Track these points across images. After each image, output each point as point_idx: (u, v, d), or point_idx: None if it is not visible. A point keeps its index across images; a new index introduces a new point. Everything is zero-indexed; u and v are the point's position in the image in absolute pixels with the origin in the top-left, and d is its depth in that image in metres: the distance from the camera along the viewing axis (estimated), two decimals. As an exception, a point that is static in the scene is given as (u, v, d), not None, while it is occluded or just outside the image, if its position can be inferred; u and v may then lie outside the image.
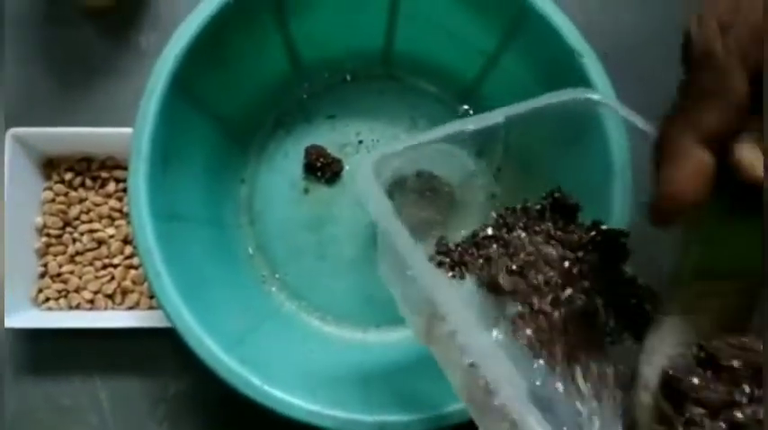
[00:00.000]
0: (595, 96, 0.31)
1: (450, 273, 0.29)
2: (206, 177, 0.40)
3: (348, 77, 0.44)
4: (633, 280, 0.30)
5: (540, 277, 0.29)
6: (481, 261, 0.30)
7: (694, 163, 0.21)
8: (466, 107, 0.44)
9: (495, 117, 0.30)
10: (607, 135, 0.34)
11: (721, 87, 0.20)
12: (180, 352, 0.32)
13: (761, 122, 0.20)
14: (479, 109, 0.44)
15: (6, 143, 0.40)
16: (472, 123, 0.29)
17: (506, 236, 0.31)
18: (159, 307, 0.33)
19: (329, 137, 0.44)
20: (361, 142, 0.44)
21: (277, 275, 0.42)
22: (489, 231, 0.31)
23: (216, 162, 0.40)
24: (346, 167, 0.43)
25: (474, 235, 0.31)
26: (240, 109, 0.41)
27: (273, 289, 0.42)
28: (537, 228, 0.31)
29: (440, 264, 0.30)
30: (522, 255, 0.29)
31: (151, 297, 0.42)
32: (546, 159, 0.34)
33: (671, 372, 0.23)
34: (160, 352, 0.42)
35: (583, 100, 0.31)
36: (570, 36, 0.35)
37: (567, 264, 0.29)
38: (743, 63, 0.19)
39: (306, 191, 0.43)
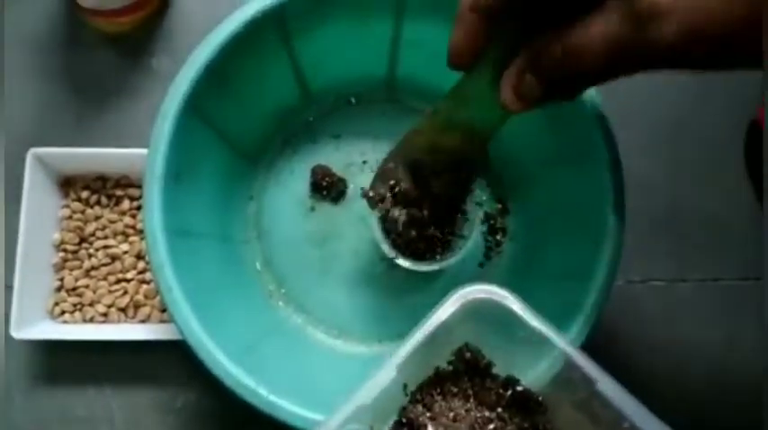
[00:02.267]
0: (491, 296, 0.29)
1: None
2: (216, 195, 0.41)
3: (353, 100, 0.45)
4: None
5: None
6: None
7: (465, 23, 0.28)
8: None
9: (387, 374, 0.28)
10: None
11: None
12: (189, 364, 0.33)
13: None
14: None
15: (27, 162, 0.42)
16: (367, 394, 0.28)
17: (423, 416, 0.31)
18: (170, 320, 0.34)
19: (334, 156, 0.45)
20: (365, 162, 0.45)
21: (283, 290, 0.43)
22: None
23: (226, 180, 0.42)
24: (351, 186, 0.45)
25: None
26: (249, 130, 0.43)
27: (280, 303, 0.43)
28: (454, 390, 0.31)
29: None
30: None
31: (162, 310, 0.43)
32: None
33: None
34: (170, 364, 0.43)
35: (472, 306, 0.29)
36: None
37: (491, 426, 0.30)
38: None
39: (312, 208, 0.45)
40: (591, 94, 0.36)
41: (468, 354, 0.31)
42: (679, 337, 0.45)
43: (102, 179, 0.45)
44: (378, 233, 0.40)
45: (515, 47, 0.27)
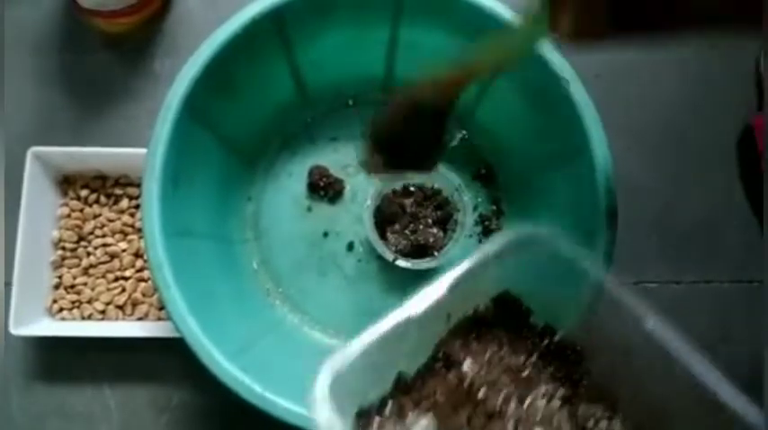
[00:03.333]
0: (540, 233, 0.29)
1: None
2: (214, 195, 0.41)
3: (350, 102, 0.46)
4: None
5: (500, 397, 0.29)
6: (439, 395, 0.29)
7: None
8: (463, 132, 0.46)
9: (439, 290, 0.28)
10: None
11: None
12: (186, 362, 0.33)
13: None
14: (475, 132, 0.46)
15: (27, 161, 0.42)
16: (414, 308, 0.27)
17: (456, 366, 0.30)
18: (168, 317, 0.34)
19: (332, 158, 0.45)
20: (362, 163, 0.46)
21: (280, 289, 0.44)
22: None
23: (224, 181, 0.42)
24: (347, 187, 0.45)
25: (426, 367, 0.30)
26: (248, 131, 0.43)
27: (277, 302, 0.44)
28: (489, 335, 0.31)
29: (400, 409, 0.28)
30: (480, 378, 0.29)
31: (160, 308, 0.44)
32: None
33: None
34: (167, 362, 0.43)
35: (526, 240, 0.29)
36: (557, 64, 0.36)
37: (524, 373, 0.30)
38: None
39: (309, 209, 0.45)
40: (583, 96, 0.36)
41: (508, 300, 0.31)
42: None
43: (102, 178, 0.45)
44: (372, 234, 0.41)
45: None
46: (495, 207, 0.45)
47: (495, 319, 0.32)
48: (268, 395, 0.33)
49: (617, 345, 0.28)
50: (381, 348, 0.26)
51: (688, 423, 0.26)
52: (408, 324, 0.27)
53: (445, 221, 0.43)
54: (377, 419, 0.27)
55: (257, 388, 0.33)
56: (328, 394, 0.25)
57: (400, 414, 0.28)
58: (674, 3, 0.21)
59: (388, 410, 0.28)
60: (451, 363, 0.30)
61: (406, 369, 0.29)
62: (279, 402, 0.33)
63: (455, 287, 0.28)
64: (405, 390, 0.29)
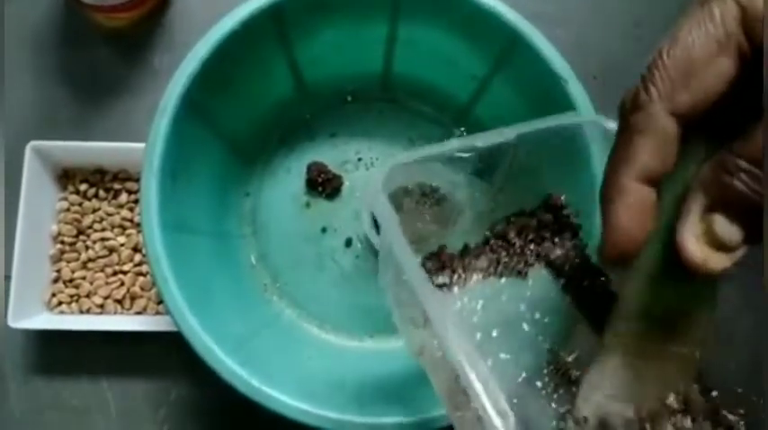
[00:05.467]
0: (608, 124, 0.31)
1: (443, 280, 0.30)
2: (213, 190, 0.41)
3: (349, 98, 0.46)
4: None
5: None
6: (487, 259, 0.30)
7: (635, 200, 0.21)
8: (462, 129, 0.46)
9: (507, 134, 0.29)
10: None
11: (649, 125, 0.21)
12: (183, 356, 0.34)
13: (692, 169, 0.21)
14: (473, 131, 0.46)
15: (26, 155, 0.42)
16: (481, 140, 0.29)
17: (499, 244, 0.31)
18: (166, 311, 0.34)
19: (330, 154, 0.45)
20: (360, 160, 0.46)
21: (278, 284, 0.44)
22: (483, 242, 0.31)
23: (222, 176, 0.42)
24: (346, 183, 0.45)
25: (466, 248, 0.31)
26: (247, 127, 0.43)
27: (274, 297, 0.44)
28: (531, 235, 0.31)
29: (442, 267, 0.30)
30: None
31: (158, 302, 0.44)
32: (546, 178, 0.34)
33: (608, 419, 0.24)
34: (165, 356, 0.43)
35: (589, 122, 0.31)
36: (556, 63, 0.37)
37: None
38: (669, 104, 0.21)
39: (307, 205, 0.45)
40: (581, 96, 0.37)
41: (556, 200, 0.31)
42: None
43: (101, 172, 0.45)
44: (370, 230, 0.41)
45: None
46: (493, 204, 0.45)
47: (539, 223, 0.31)
48: (265, 389, 0.33)
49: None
50: (439, 173, 0.29)
51: None
52: (469, 149, 0.27)
53: (443, 215, 0.43)
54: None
55: (255, 381, 0.33)
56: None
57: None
58: None
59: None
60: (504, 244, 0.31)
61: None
62: (275, 395, 0.33)
63: (523, 139, 0.28)
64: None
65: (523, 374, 0.27)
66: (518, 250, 0.31)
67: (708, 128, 0.21)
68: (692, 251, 0.20)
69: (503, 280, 0.30)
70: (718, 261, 0.20)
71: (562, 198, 0.32)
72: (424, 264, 0.30)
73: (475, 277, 0.30)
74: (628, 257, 0.22)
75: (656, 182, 0.21)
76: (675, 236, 0.20)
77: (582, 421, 0.24)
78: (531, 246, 0.31)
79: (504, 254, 0.31)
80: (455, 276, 0.30)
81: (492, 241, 0.31)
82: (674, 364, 0.24)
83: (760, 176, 0.19)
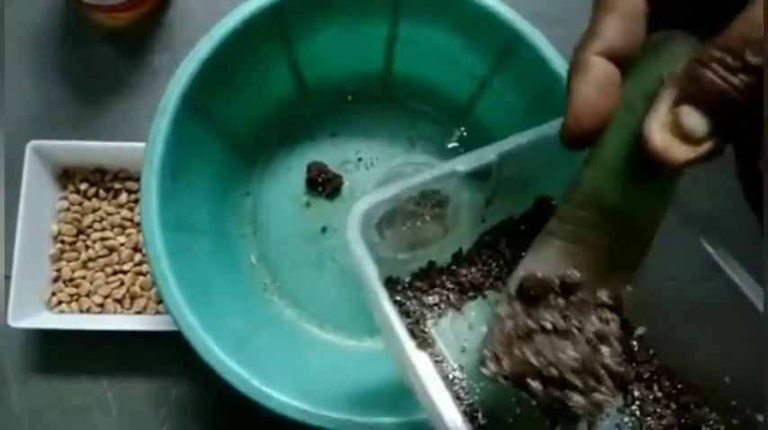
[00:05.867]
0: None
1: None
2: (213, 190, 0.41)
3: (349, 98, 0.46)
4: None
5: None
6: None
7: (597, 73, 0.21)
8: (462, 128, 0.46)
9: (488, 155, 0.27)
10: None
11: (616, 2, 0.21)
12: (183, 356, 0.33)
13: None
14: (473, 131, 0.46)
15: (26, 155, 0.42)
16: (463, 164, 0.27)
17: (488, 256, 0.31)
18: (166, 311, 0.34)
19: (330, 154, 0.45)
20: (360, 159, 0.46)
21: (278, 284, 0.44)
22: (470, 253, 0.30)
23: (222, 176, 0.42)
24: (346, 183, 0.45)
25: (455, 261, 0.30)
26: (247, 126, 0.43)
27: (274, 297, 0.44)
28: (523, 243, 0.30)
29: (431, 286, 0.29)
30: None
31: (158, 302, 0.44)
32: (536, 183, 0.33)
33: (531, 277, 0.25)
34: (165, 356, 0.43)
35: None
36: (556, 63, 0.37)
37: None
38: None
39: (307, 204, 0.45)
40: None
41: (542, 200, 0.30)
42: (671, 335, 0.45)
43: (101, 172, 0.45)
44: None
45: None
46: (489, 205, 0.45)
47: (528, 223, 0.31)
48: (265, 388, 0.33)
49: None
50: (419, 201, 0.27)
51: (716, 333, 0.26)
52: (453, 175, 0.26)
53: (443, 218, 0.43)
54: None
55: (255, 381, 0.33)
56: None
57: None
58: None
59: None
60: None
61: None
62: (275, 395, 0.33)
63: (505, 157, 0.27)
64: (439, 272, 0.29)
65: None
66: (509, 260, 0.30)
67: (687, 27, 0.21)
68: (655, 139, 0.20)
69: (493, 295, 0.30)
70: (680, 151, 0.20)
71: (554, 203, 0.31)
72: (413, 284, 0.29)
73: (465, 298, 0.29)
74: (589, 134, 0.22)
75: (619, 60, 0.21)
76: (642, 126, 0.20)
77: (511, 297, 0.26)
78: (523, 254, 0.30)
79: (494, 265, 0.30)
80: (445, 294, 0.29)
81: (482, 252, 0.31)
82: (606, 263, 0.25)
83: (733, 66, 0.19)
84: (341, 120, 0.46)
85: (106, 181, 0.45)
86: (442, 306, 0.29)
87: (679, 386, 0.30)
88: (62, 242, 0.44)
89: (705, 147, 0.20)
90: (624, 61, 0.22)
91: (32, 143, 0.43)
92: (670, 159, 0.20)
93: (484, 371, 0.26)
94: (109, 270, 0.44)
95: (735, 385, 0.28)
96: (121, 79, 0.48)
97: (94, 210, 0.45)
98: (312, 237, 0.45)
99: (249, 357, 0.35)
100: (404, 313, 0.28)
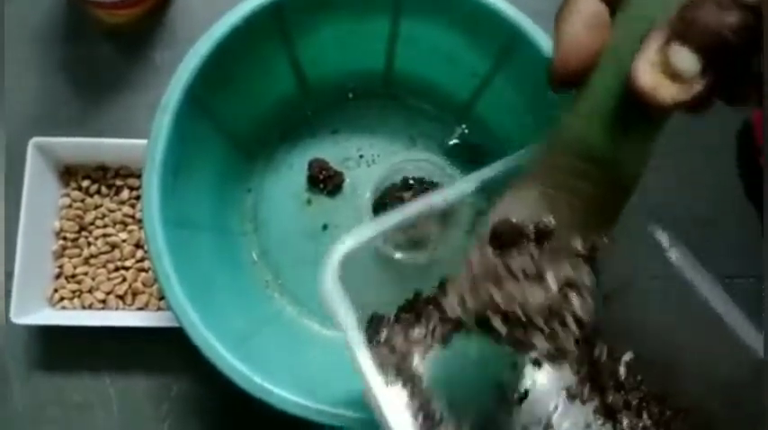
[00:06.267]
0: None
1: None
2: (214, 186, 0.41)
3: (350, 95, 0.46)
4: None
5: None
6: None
7: (585, 12, 0.21)
8: (463, 126, 0.46)
9: (468, 183, 0.27)
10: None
11: None
12: (185, 352, 0.33)
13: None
14: (474, 128, 0.46)
15: (28, 151, 0.42)
16: (440, 197, 0.27)
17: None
18: (168, 307, 0.34)
19: (332, 151, 0.45)
20: (361, 157, 0.46)
21: (279, 281, 0.44)
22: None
23: (224, 172, 0.42)
24: (347, 180, 0.45)
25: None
26: (248, 123, 0.43)
27: (276, 294, 0.44)
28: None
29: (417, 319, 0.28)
30: None
31: (160, 298, 0.44)
32: None
33: (504, 222, 0.25)
34: (167, 352, 0.44)
35: None
36: (557, 61, 0.37)
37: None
38: None
39: (308, 201, 0.45)
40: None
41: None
42: (670, 334, 0.45)
43: (103, 169, 0.46)
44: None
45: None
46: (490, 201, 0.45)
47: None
48: (266, 385, 0.33)
49: (635, 274, 0.27)
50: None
51: (698, 353, 0.26)
52: (433, 211, 0.26)
53: (443, 215, 0.43)
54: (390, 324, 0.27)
55: (256, 378, 0.33)
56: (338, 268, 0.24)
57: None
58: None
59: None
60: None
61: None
62: (277, 391, 0.33)
63: (483, 187, 0.26)
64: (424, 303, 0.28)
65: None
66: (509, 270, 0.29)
67: None
68: (643, 78, 0.19)
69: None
70: (669, 91, 0.19)
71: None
72: (399, 317, 0.28)
73: (451, 329, 0.28)
74: (575, 75, 0.21)
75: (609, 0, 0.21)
76: (630, 66, 0.20)
77: (481, 242, 0.26)
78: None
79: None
80: (431, 326, 0.28)
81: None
82: (586, 211, 0.24)
83: (727, 5, 0.18)
84: (342, 118, 0.46)
85: (108, 178, 0.45)
86: (429, 339, 0.28)
87: (668, 412, 0.30)
88: (64, 239, 0.45)
89: (695, 88, 0.19)
90: (614, 1, 0.21)
91: (34, 140, 0.43)
92: (658, 99, 0.19)
93: (450, 315, 0.26)
94: (111, 266, 0.45)
95: (724, 402, 0.27)
96: (123, 76, 0.48)
97: (96, 207, 0.45)
98: (313, 234, 0.45)
99: (250, 354, 0.35)
100: (390, 349, 0.27)
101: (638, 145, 0.23)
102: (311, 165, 0.45)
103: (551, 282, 0.25)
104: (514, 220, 0.25)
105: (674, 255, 0.26)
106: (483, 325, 0.25)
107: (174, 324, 0.34)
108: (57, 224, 0.45)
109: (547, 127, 0.29)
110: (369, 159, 0.46)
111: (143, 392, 0.44)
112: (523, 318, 0.24)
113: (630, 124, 0.22)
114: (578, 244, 0.25)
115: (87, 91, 0.48)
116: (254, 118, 0.43)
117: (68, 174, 0.45)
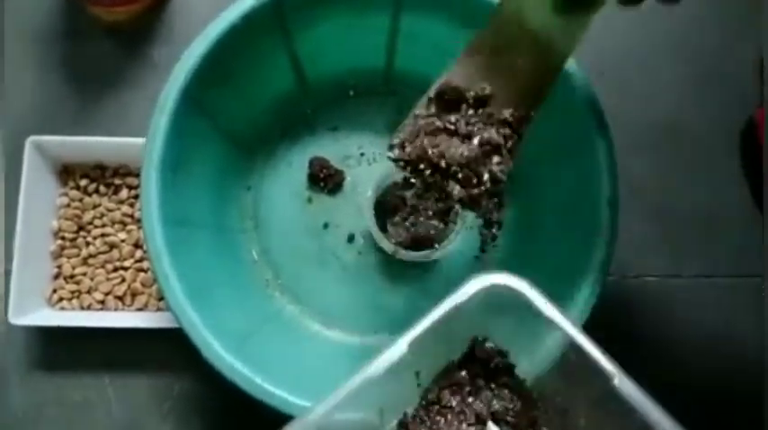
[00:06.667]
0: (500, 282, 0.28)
1: None
2: (213, 185, 0.41)
3: (351, 92, 0.45)
4: None
5: None
6: None
7: None
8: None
9: (398, 350, 0.27)
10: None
11: None
12: (185, 352, 0.33)
13: None
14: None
15: (26, 150, 0.42)
16: (376, 367, 0.27)
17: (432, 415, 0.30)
18: (167, 308, 0.34)
19: (332, 148, 0.45)
20: (362, 155, 0.45)
21: (280, 280, 0.44)
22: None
23: (223, 170, 0.42)
24: (348, 179, 0.45)
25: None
26: (248, 120, 0.43)
27: (276, 293, 0.43)
28: (467, 389, 0.31)
29: None
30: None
31: (159, 299, 0.44)
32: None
33: (448, 84, 0.30)
34: (166, 352, 0.43)
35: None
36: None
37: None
38: None
39: (309, 200, 0.45)
40: (585, 86, 0.36)
41: (480, 353, 0.31)
42: (672, 332, 0.45)
43: (101, 168, 0.45)
44: (373, 225, 0.41)
45: None
46: (495, 199, 0.45)
47: (468, 368, 0.31)
48: (268, 387, 0.33)
49: (583, 397, 0.28)
50: (343, 411, 0.26)
51: None
52: (369, 385, 0.26)
53: (446, 213, 0.43)
54: None
55: (258, 379, 0.33)
56: None
57: None
58: None
59: None
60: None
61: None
62: (278, 393, 0.33)
63: (415, 346, 0.27)
64: None
65: None
66: (457, 411, 0.30)
67: None
68: None
69: None
70: None
71: (487, 346, 0.31)
72: None
73: None
74: None
75: None
76: None
77: (429, 100, 0.31)
78: (470, 400, 0.30)
79: (443, 422, 0.30)
80: None
81: (430, 409, 0.31)
82: (518, 85, 0.29)
83: None
84: (342, 115, 0.45)
85: (106, 177, 0.45)
86: None
87: None
88: (62, 238, 0.44)
89: None
90: None
91: (32, 139, 0.42)
92: None
93: (389, 154, 0.31)
94: (110, 266, 0.44)
95: None
96: (121, 74, 0.47)
97: (95, 207, 0.45)
98: (314, 232, 0.44)
99: (251, 354, 0.35)
100: None
101: (571, 26, 0.27)
102: (312, 163, 0.44)
103: (475, 140, 0.29)
104: (455, 85, 0.30)
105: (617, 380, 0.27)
106: (416, 171, 0.30)
107: (174, 324, 0.34)
108: (55, 224, 0.44)
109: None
110: (370, 157, 0.45)
111: (144, 393, 0.43)
112: (445, 168, 0.29)
113: (565, 7, 0.26)
114: (507, 113, 0.30)
115: (85, 88, 0.47)
116: (252, 115, 0.43)
117: (66, 172, 0.45)
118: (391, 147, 0.31)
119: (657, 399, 0.27)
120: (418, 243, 0.42)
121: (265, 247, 0.44)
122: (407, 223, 0.43)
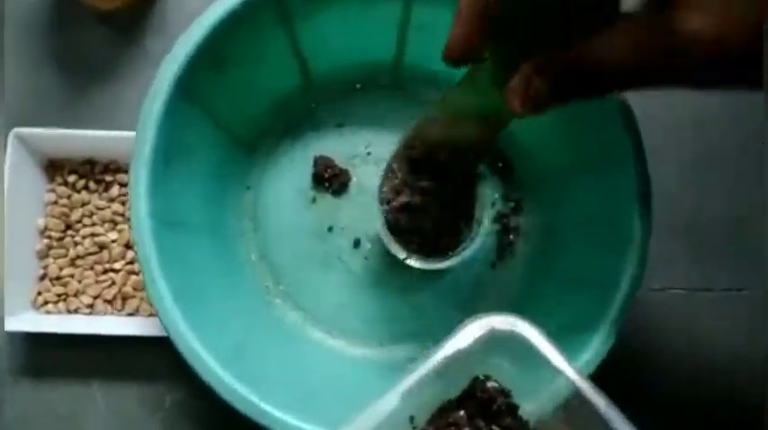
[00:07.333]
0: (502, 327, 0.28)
1: None
2: (209, 182, 0.39)
3: (357, 86, 0.44)
4: None
5: None
6: None
7: (471, 8, 0.27)
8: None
9: (389, 402, 0.27)
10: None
11: None
12: (178, 359, 0.32)
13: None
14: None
15: (9, 143, 0.40)
16: (365, 423, 0.27)
17: None
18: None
19: (337, 145, 0.43)
20: (369, 154, 0.43)
21: (281, 286, 0.42)
22: None
23: (220, 167, 0.40)
24: (353, 179, 0.43)
25: None
26: (247, 114, 0.41)
27: (277, 300, 0.41)
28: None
29: None
30: None
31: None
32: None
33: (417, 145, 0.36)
34: (158, 359, 0.42)
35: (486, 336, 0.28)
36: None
37: None
38: None
39: (313, 200, 0.43)
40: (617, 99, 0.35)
41: (482, 393, 0.30)
42: (700, 347, 0.44)
43: (91, 163, 0.43)
44: (383, 231, 0.38)
45: (522, 52, 0.26)
46: (513, 204, 0.43)
47: (467, 407, 0.30)
48: (266, 407, 0.32)
49: None
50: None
51: None
52: None
53: (464, 217, 0.40)
54: None
55: (255, 398, 0.32)
56: None
57: None
58: (599, 73, 0.25)
59: None
60: None
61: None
62: (276, 414, 0.32)
63: (409, 395, 0.27)
64: None
65: None
66: None
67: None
68: (509, 98, 0.26)
69: None
70: (524, 110, 0.26)
71: (489, 385, 0.30)
72: None
73: None
74: (464, 55, 0.28)
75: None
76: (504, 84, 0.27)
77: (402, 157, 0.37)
78: None
79: None
80: None
81: None
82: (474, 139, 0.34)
83: (578, 67, 0.25)
84: (348, 111, 0.44)
85: (96, 172, 0.43)
86: None
87: None
88: (49, 237, 0.43)
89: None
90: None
91: (15, 131, 0.40)
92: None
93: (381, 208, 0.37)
94: (99, 268, 0.43)
95: None
96: (113, 64, 0.46)
97: (84, 204, 0.43)
98: (318, 235, 0.42)
99: (247, 369, 0.33)
100: None
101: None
102: (316, 162, 0.43)
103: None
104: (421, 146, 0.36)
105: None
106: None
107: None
108: (41, 222, 0.42)
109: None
110: (377, 156, 0.43)
111: (135, 401, 0.42)
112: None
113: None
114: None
115: (76, 79, 0.46)
116: (252, 109, 0.41)
117: (53, 168, 0.43)
118: (380, 200, 0.37)
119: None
120: (431, 250, 0.39)
121: (265, 251, 0.42)
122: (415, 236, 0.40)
